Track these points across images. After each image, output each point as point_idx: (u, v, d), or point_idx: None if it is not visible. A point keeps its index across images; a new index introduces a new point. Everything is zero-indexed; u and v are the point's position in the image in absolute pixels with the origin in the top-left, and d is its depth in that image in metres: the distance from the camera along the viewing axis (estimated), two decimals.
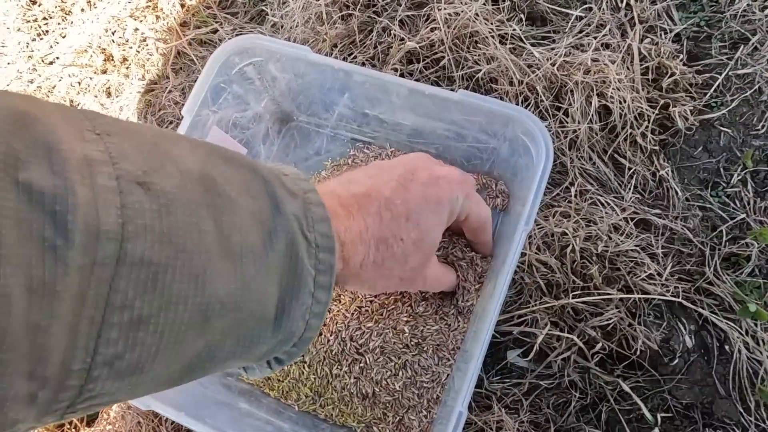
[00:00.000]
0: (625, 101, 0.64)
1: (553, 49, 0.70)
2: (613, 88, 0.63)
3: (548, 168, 0.52)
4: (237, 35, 0.87)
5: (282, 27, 0.81)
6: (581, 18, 0.75)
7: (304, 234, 0.31)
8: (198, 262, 0.24)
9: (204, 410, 0.56)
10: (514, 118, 0.55)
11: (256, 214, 0.28)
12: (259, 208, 0.29)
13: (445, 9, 0.69)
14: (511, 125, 0.57)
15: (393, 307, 0.66)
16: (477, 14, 0.68)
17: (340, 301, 0.67)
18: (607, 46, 0.70)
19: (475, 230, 0.56)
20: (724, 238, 0.65)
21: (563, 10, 0.76)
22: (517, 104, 0.68)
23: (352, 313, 0.66)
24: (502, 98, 0.69)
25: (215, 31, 0.88)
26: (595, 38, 0.71)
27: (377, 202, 0.41)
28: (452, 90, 0.57)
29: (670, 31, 0.72)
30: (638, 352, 0.62)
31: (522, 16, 0.75)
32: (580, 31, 0.73)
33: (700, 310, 0.63)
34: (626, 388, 0.61)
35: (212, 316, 0.25)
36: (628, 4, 0.74)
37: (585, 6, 0.76)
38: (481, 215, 0.53)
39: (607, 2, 0.75)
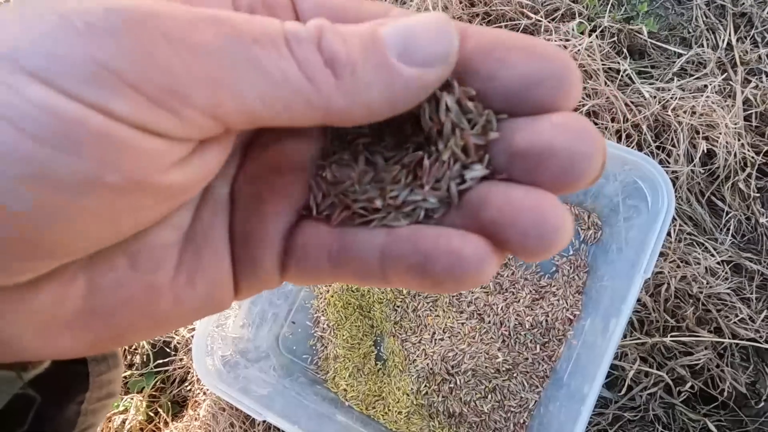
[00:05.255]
0: (731, 147, 0.65)
1: (657, 87, 0.70)
2: (722, 133, 0.64)
3: (669, 219, 0.54)
4: None
5: None
6: (680, 54, 0.75)
7: None
8: None
9: (311, 422, 0.59)
10: (633, 163, 0.56)
11: None
12: None
13: (553, 40, 0.70)
14: (626, 168, 0.58)
15: (485, 330, 0.68)
16: (587, 48, 0.69)
17: (430, 317, 0.69)
18: (707, 86, 0.71)
19: None
20: None
21: (663, 45, 0.76)
22: (618, 141, 0.69)
23: (444, 331, 0.68)
24: (602, 133, 0.70)
25: None
26: (695, 77, 0.72)
27: None
28: None
29: None
30: (725, 393, 0.64)
31: (623, 48, 0.75)
32: (681, 69, 0.74)
33: None
34: (712, 427, 0.63)
35: None
36: (729, 44, 0.75)
37: (684, 42, 0.76)
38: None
39: (706, 40, 0.76)
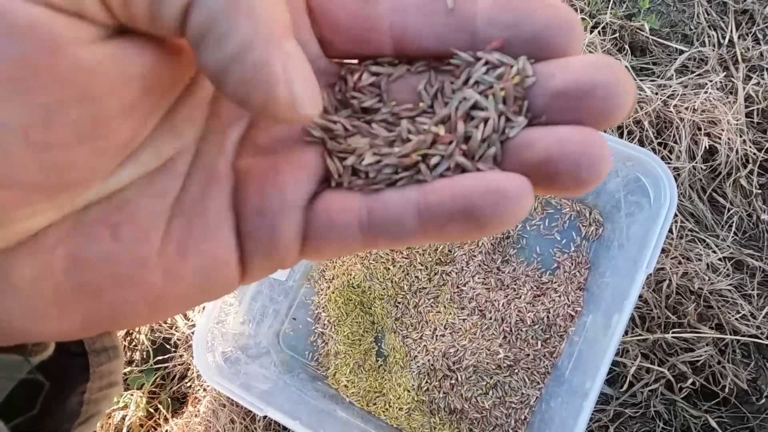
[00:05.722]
0: (733, 143, 0.65)
1: (658, 84, 0.70)
2: (724, 130, 0.64)
3: (671, 214, 0.54)
4: None
5: None
6: (682, 52, 0.75)
7: None
8: None
9: (311, 417, 0.59)
10: (636, 159, 0.56)
11: None
12: None
13: None
14: (629, 164, 0.58)
15: (487, 326, 0.68)
16: (588, 45, 0.69)
17: (431, 313, 0.69)
18: (711, 83, 0.71)
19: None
20: None
21: (664, 42, 0.76)
22: (620, 137, 0.69)
23: (445, 327, 0.68)
24: (604, 130, 0.70)
25: None
26: (697, 74, 0.72)
27: None
28: None
29: None
30: (726, 389, 0.64)
31: (625, 45, 0.75)
32: (682, 65, 0.74)
33: None
34: (713, 423, 0.63)
35: None
36: (730, 41, 0.75)
37: (686, 39, 0.76)
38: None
39: (708, 37, 0.76)
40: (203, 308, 0.67)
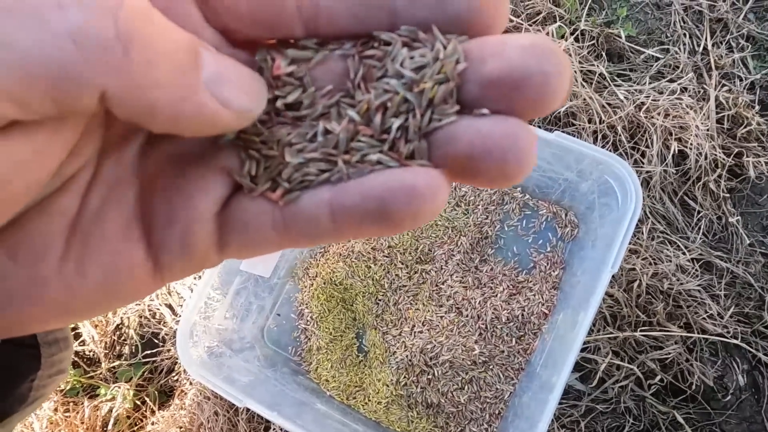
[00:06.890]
0: (702, 148, 0.67)
1: (633, 89, 0.73)
2: (693, 135, 0.66)
3: (636, 216, 0.56)
4: None
5: None
6: (658, 58, 0.78)
7: None
8: None
9: (291, 410, 0.61)
10: (606, 163, 0.58)
11: None
12: None
13: None
14: (600, 167, 0.60)
15: (463, 323, 0.70)
16: (565, 50, 0.71)
17: (410, 310, 0.71)
18: (684, 89, 0.73)
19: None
20: None
21: (641, 48, 0.78)
22: (595, 141, 0.71)
23: (423, 324, 0.70)
24: (579, 134, 0.72)
25: None
26: (672, 80, 0.74)
27: None
28: (546, 129, 0.61)
29: (745, 79, 0.75)
30: (693, 386, 0.66)
31: (602, 52, 0.78)
32: (658, 72, 0.76)
33: (755, 351, 0.66)
34: (680, 419, 0.65)
35: None
36: (705, 49, 0.77)
37: (662, 46, 0.79)
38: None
39: (683, 45, 0.78)
40: (186, 301, 0.69)
